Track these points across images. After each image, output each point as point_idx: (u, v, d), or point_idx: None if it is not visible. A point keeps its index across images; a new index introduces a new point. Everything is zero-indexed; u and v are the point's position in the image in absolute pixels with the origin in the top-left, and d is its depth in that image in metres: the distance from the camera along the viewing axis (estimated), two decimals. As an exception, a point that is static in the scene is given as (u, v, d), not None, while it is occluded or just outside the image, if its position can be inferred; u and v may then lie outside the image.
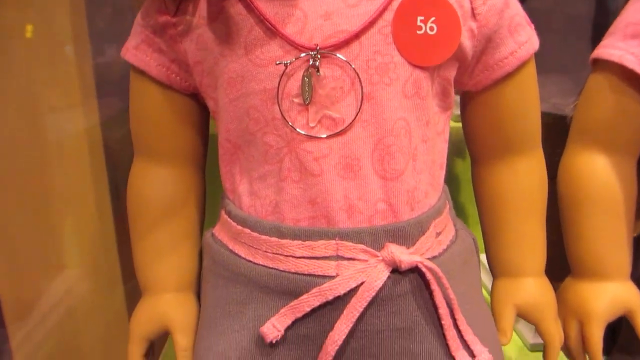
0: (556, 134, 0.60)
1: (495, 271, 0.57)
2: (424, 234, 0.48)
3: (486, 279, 0.69)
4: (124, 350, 0.55)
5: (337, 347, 0.45)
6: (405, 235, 0.47)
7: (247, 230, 0.49)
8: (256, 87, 0.46)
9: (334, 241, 0.46)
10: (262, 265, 0.48)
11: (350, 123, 0.45)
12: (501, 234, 0.55)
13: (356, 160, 0.46)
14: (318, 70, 0.45)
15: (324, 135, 0.45)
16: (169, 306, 0.54)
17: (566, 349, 0.58)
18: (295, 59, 0.45)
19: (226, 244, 0.51)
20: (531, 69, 0.52)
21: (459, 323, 0.47)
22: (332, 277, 0.45)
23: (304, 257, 0.46)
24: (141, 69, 0.51)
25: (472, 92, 0.53)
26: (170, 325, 0.53)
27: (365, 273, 0.45)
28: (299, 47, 0.45)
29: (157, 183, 0.54)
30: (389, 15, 0.45)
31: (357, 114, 0.45)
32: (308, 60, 0.44)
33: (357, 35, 0.44)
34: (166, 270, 0.54)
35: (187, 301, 0.54)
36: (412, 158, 0.47)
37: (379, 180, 0.46)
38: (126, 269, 0.89)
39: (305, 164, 0.46)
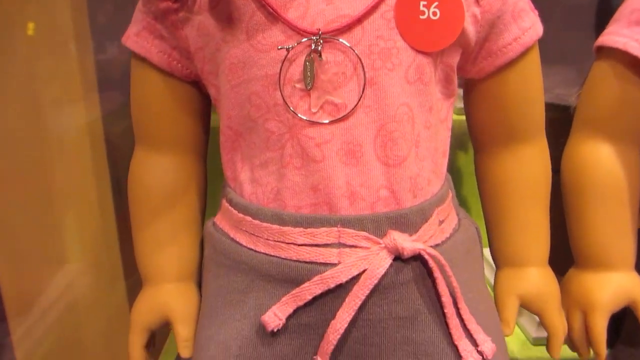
0: (560, 126, 0.59)
1: (498, 261, 0.57)
2: (426, 222, 0.47)
3: (489, 273, 0.69)
4: (125, 344, 0.55)
5: (338, 336, 0.45)
6: (408, 222, 0.46)
7: (249, 218, 0.48)
8: (258, 73, 0.46)
9: (335, 228, 0.45)
10: (263, 253, 0.47)
11: (353, 109, 0.45)
12: (504, 222, 0.55)
13: (358, 147, 0.45)
14: (320, 55, 0.44)
15: (326, 121, 0.45)
16: (170, 296, 0.53)
17: (569, 341, 0.58)
18: (297, 43, 0.44)
19: (227, 232, 0.50)
20: (535, 56, 0.51)
21: (461, 312, 0.47)
22: (334, 265, 0.45)
23: (305, 245, 0.46)
24: (142, 56, 0.51)
25: (475, 79, 0.52)
26: (171, 316, 0.53)
27: (368, 260, 0.45)
28: (301, 32, 0.44)
29: (158, 171, 0.54)
30: (391, 0, 0.45)
31: (359, 100, 0.44)
32: (310, 45, 0.44)
33: (359, 20, 0.44)
34: (167, 260, 0.54)
35: (188, 291, 0.54)
36: (414, 145, 0.47)
37: (382, 167, 0.46)
38: (128, 264, 0.89)
39: (307, 150, 0.45)
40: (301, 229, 0.46)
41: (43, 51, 0.76)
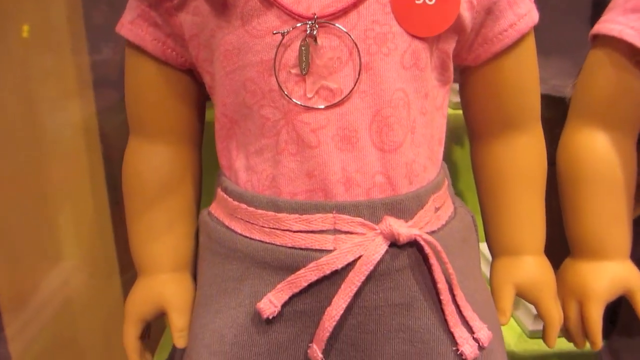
0: (555, 118, 0.59)
1: (494, 251, 0.56)
2: (422, 208, 0.47)
3: (485, 267, 0.68)
4: (120, 340, 0.54)
5: (334, 323, 0.44)
6: (404, 208, 0.46)
7: (244, 206, 0.48)
8: (253, 59, 0.46)
9: (331, 214, 0.45)
10: (258, 240, 0.47)
11: (348, 94, 0.44)
12: (500, 211, 0.55)
13: (354, 132, 0.45)
14: (315, 40, 0.44)
15: (322, 106, 0.45)
16: (164, 286, 0.53)
17: (565, 330, 0.57)
18: (292, 28, 0.44)
19: (222, 220, 0.50)
20: (530, 43, 0.51)
21: (457, 299, 0.47)
22: (329, 251, 0.45)
23: (301, 231, 0.46)
24: (136, 44, 0.50)
25: (471, 66, 0.52)
26: (166, 306, 0.53)
27: (363, 246, 0.45)
28: (296, 17, 0.44)
29: (153, 161, 0.54)
30: None
31: (355, 85, 0.44)
32: (305, 30, 0.44)
33: (355, 5, 0.44)
34: (162, 250, 0.54)
35: (183, 281, 0.54)
36: (410, 131, 0.47)
37: (377, 153, 0.46)
38: (123, 260, 0.89)
39: (302, 135, 0.45)
40: (296, 215, 0.46)
41: (38, 50, 0.75)
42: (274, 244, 0.46)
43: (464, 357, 0.46)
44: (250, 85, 0.46)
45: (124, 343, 0.54)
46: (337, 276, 0.45)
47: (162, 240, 0.54)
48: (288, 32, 0.44)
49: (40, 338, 0.76)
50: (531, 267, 0.54)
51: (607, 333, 0.59)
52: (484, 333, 0.47)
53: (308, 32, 0.44)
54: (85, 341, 0.87)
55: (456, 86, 0.56)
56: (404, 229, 0.45)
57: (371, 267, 0.44)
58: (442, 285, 0.46)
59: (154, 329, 0.57)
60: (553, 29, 0.62)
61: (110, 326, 0.87)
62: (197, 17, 0.48)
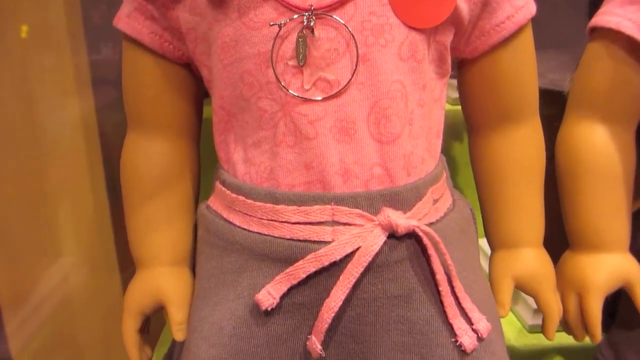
0: (554, 112, 0.59)
1: (493, 244, 0.56)
2: (420, 200, 0.47)
3: (484, 263, 0.68)
4: (120, 337, 0.54)
5: (333, 314, 0.44)
6: (402, 200, 0.46)
7: (242, 198, 0.48)
8: (250, 51, 0.46)
9: (329, 206, 0.45)
10: (257, 232, 0.47)
11: (346, 85, 0.44)
12: (499, 203, 0.55)
13: (352, 124, 0.45)
14: (312, 32, 0.44)
15: (319, 98, 0.45)
16: (163, 280, 0.53)
17: (565, 323, 0.57)
18: (289, 20, 0.44)
19: (220, 213, 0.50)
20: (528, 35, 0.51)
21: (456, 290, 0.47)
22: (328, 243, 0.45)
23: (299, 223, 0.46)
24: (134, 38, 0.50)
25: (469, 59, 0.52)
26: (165, 300, 0.52)
27: (362, 238, 0.45)
28: (293, 9, 0.44)
29: (151, 155, 0.54)
30: None
31: (352, 76, 0.44)
32: (302, 22, 0.44)
33: None
34: (160, 244, 0.54)
35: (181, 275, 0.54)
36: (408, 122, 0.47)
37: (375, 144, 0.46)
38: (123, 257, 0.89)
39: (300, 127, 0.45)
40: (295, 207, 0.46)
41: (37, 50, 0.76)
42: (272, 236, 0.46)
43: (462, 348, 0.45)
44: (248, 78, 0.46)
45: (123, 336, 0.54)
46: (335, 268, 0.45)
47: (160, 234, 0.54)
48: (285, 24, 0.44)
49: (39, 335, 0.76)
50: (530, 259, 0.54)
51: (606, 326, 0.59)
52: (483, 324, 0.47)
53: (305, 23, 0.44)
54: (85, 338, 0.87)
55: (455, 82, 0.56)
56: (403, 220, 0.45)
57: (370, 259, 0.44)
58: (440, 277, 0.46)
59: (153, 324, 0.57)
60: (551, 23, 0.62)
61: (110, 323, 0.87)
62: (193, 10, 0.48)
